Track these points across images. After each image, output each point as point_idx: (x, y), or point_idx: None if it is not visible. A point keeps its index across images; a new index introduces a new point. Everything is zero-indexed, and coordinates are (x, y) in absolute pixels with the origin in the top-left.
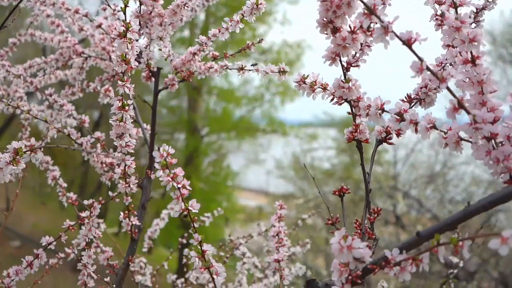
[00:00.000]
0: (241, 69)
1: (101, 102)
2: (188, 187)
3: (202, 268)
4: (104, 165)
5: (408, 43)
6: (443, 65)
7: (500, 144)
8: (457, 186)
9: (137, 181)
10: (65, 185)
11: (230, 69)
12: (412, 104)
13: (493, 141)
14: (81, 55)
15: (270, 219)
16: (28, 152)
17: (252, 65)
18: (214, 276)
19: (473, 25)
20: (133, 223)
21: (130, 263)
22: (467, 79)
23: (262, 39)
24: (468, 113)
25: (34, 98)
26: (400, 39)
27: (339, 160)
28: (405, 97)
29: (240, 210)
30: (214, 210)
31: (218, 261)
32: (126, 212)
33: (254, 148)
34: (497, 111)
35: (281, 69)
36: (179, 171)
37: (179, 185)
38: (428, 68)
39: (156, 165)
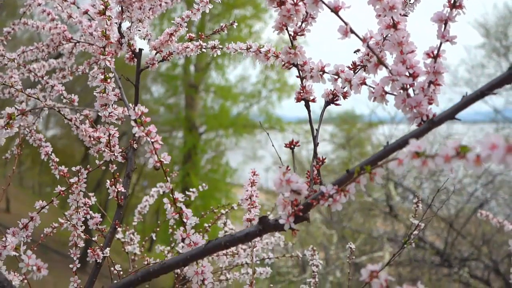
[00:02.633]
0: (213, 47)
1: (90, 85)
2: (160, 142)
3: (174, 213)
4: (92, 139)
5: (335, 10)
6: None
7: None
8: (449, 175)
9: (121, 150)
10: (57, 159)
11: (205, 48)
12: (357, 70)
13: (412, 91)
14: (71, 40)
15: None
16: (20, 116)
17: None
18: (185, 220)
19: None
20: (119, 190)
21: (116, 227)
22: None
23: (234, 22)
24: (387, 67)
25: (26, 86)
26: (328, 7)
27: (337, 155)
28: (351, 64)
29: (239, 207)
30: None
31: (202, 232)
32: (112, 180)
33: (252, 145)
34: (416, 67)
35: (248, 46)
36: (152, 128)
37: (153, 140)
38: (352, 31)
39: (132, 123)
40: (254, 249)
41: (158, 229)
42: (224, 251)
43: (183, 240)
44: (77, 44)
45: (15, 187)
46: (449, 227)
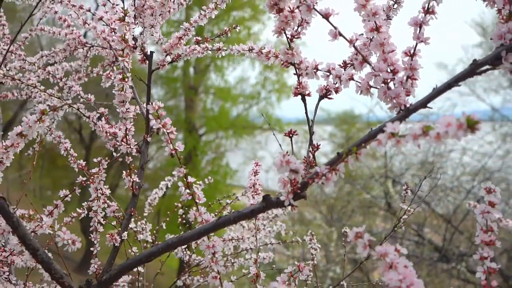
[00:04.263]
0: (218, 49)
1: (103, 86)
2: (175, 132)
3: (188, 195)
4: (108, 134)
5: (326, 16)
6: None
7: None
8: (446, 173)
9: (136, 144)
10: (75, 154)
11: (210, 50)
12: (347, 67)
13: (392, 85)
14: (85, 45)
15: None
16: (52, 112)
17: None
18: (197, 201)
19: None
20: (134, 180)
21: (132, 214)
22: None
23: (237, 25)
24: (370, 65)
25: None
26: (320, 13)
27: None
28: (342, 63)
29: (240, 207)
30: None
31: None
32: (128, 171)
33: (252, 146)
34: (395, 65)
35: (251, 48)
36: (168, 120)
37: (168, 131)
38: (340, 34)
39: (151, 123)
40: (258, 236)
41: (168, 219)
42: (231, 237)
43: (195, 218)
44: (91, 48)
45: (16, 191)
46: (447, 223)
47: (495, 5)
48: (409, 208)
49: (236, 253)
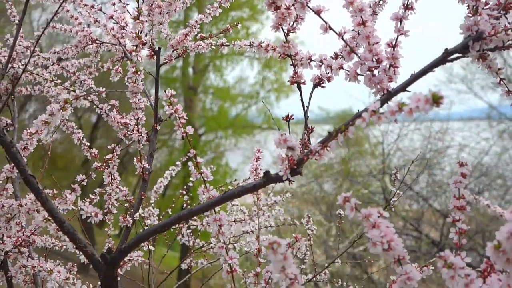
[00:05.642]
0: (221, 45)
1: (112, 80)
2: (186, 117)
3: (197, 173)
4: (119, 124)
5: (318, 12)
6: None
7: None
8: (444, 169)
9: (147, 132)
10: (88, 143)
11: (214, 45)
12: (338, 58)
13: (377, 72)
14: (96, 41)
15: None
16: (75, 100)
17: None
18: (205, 178)
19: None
20: (144, 166)
21: (142, 197)
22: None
23: (238, 23)
24: (357, 55)
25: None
26: (313, 10)
27: (336, 154)
28: (333, 54)
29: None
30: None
31: None
32: (139, 157)
33: (251, 145)
34: (379, 55)
35: (251, 42)
36: (179, 106)
37: (179, 116)
38: (330, 28)
39: (164, 103)
40: (258, 220)
41: (173, 205)
42: (233, 218)
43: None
44: (101, 44)
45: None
46: (444, 218)
47: (466, 1)
48: (398, 192)
49: (238, 236)
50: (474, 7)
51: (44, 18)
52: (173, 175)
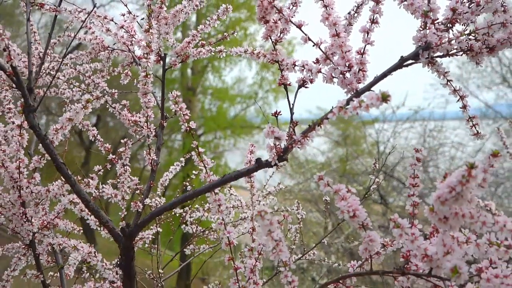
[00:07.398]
0: (220, 51)
1: (122, 83)
2: (189, 114)
3: (199, 161)
4: (130, 121)
5: (299, 26)
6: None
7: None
8: (438, 167)
9: (155, 127)
10: (102, 139)
11: (214, 52)
12: (318, 63)
13: (348, 75)
14: (107, 48)
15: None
16: (95, 100)
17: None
18: (206, 165)
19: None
20: (153, 158)
21: (151, 186)
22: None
23: (234, 31)
24: (331, 61)
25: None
26: (295, 24)
27: (334, 153)
28: (315, 60)
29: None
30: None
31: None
32: (148, 150)
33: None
34: (350, 61)
35: (246, 50)
36: (183, 105)
37: (184, 113)
38: (309, 39)
39: (171, 107)
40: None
41: (178, 190)
42: (231, 205)
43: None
44: (113, 51)
45: None
46: None
47: (418, 18)
48: (377, 180)
49: (235, 221)
50: (423, 22)
51: (44, 20)
52: (178, 170)
